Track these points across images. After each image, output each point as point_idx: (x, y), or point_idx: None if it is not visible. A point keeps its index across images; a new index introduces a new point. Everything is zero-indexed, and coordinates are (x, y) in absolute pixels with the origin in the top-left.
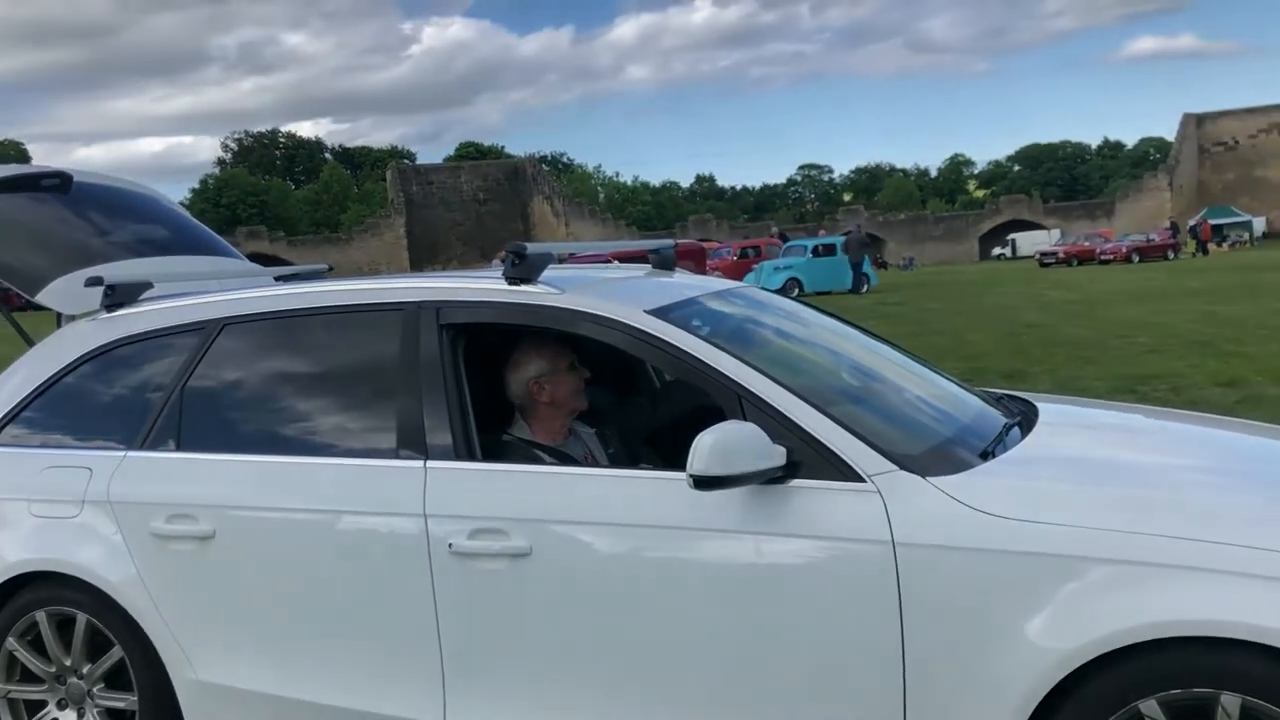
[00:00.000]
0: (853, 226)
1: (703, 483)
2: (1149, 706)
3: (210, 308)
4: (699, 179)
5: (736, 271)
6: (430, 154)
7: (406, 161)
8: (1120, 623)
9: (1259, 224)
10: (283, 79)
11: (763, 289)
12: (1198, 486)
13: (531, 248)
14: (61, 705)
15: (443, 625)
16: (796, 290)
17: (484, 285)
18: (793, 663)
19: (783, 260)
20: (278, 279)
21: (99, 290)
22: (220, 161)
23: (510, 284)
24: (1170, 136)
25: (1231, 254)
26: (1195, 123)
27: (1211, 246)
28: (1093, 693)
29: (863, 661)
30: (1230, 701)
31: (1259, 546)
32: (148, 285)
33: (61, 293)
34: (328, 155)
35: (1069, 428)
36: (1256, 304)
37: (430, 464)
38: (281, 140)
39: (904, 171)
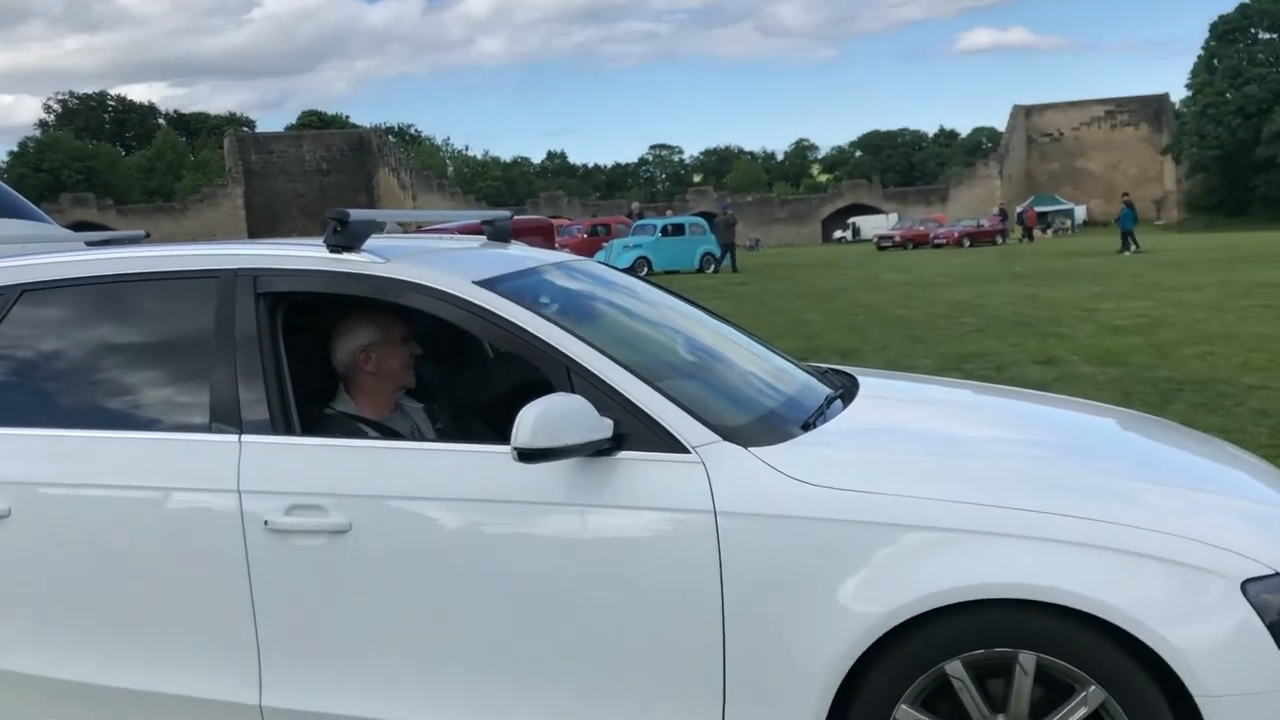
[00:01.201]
0: (721, 208)
1: (527, 455)
2: (954, 667)
3: (7, 273)
4: (551, 155)
5: (586, 249)
6: (272, 122)
7: (246, 129)
8: (928, 587)
9: (1080, 212)
10: (113, 38)
11: (612, 267)
12: (1006, 456)
13: (355, 214)
14: None
15: (258, 604)
16: (646, 269)
17: (304, 253)
18: (617, 630)
19: (632, 239)
20: (89, 245)
21: None
22: (43, 124)
23: (332, 252)
24: (1001, 127)
25: (1054, 240)
26: (1024, 114)
27: (1036, 233)
28: (902, 655)
29: (685, 627)
30: (1027, 659)
31: (1056, 513)
32: None
33: None
34: (161, 120)
35: (887, 400)
36: (1075, 288)
37: (245, 438)
38: (111, 103)
39: (752, 154)
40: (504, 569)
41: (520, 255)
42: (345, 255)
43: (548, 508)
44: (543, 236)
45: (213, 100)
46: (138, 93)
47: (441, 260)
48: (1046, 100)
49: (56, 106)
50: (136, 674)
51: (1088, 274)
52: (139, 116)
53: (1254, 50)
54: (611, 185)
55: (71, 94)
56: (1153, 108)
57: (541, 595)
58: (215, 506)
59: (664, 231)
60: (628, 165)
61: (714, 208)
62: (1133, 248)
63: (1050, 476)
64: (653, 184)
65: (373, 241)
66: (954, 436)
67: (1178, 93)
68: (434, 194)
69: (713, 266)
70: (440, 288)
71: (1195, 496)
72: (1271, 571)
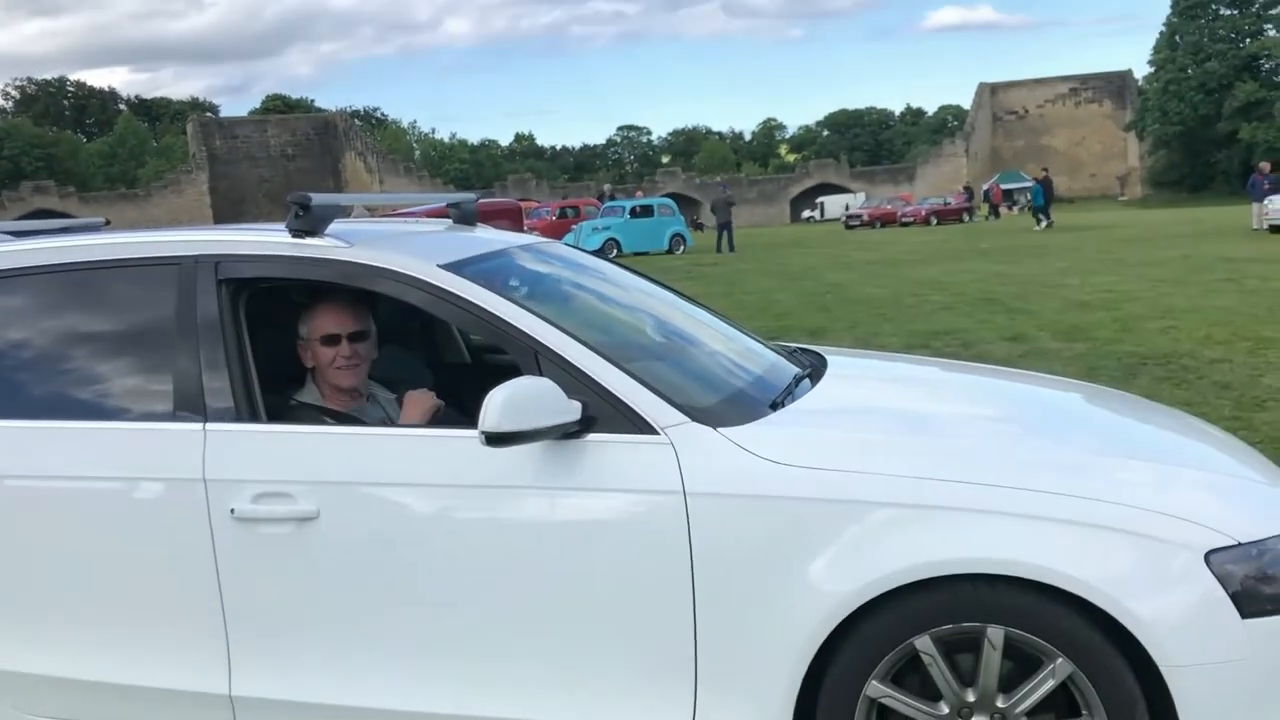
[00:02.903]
0: (720, 188)
1: (495, 439)
2: (923, 642)
3: None
4: (518, 138)
5: (555, 231)
6: (236, 107)
7: (209, 114)
8: (897, 564)
9: None
10: (73, 23)
11: (581, 249)
12: (974, 433)
13: (317, 198)
14: None
15: (226, 593)
16: (615, 251)
17: (266, 238)
18: (588, 613)
19: (601, 221)
20: (15, 234)
21: None
22: (1, 110)
23: (294, 237)
24: (967, 105)
25: (1021, 217)
26: (990, 92)
27: (1002, 210)
28: (872, 631)
29: (656, 608)
30: (995, 634)
31: (1024, 488)
32: None
33: None
34: (122, 106)
35: (855, 379)
36: (1041, 264)
37: (210, 426)
38: (70, 89)
39: (720, 134)
40: (473, 554)
41: (487, 238)
42: (308, 240)
43: (517, 491)
44: (511, 219)
45: (175, 85)
46: (98, 78)
47: (406, 244)
48: (1012, 78)
49: (15, 93)
50: (104, 665)
51: (1053, 250)
52: (100, 102)
53: (1215, 26)
54: (580, 167)
55: (30, 80)
56: (1116, 84)
57: (512, 579)
58: (180, 495)
59: (633, 213)
60: (596, 147)
61: (683, 189)
62: (1043, 223)
63: (1017, 452)
64: (621, 165)
65: (336, 226)
66: (922, 414)
67: (1140, 69)
68: (401, 178)
69: (682, 248)
70: (405, 271)
71: (1159, 469)
72: (1234, 542)
